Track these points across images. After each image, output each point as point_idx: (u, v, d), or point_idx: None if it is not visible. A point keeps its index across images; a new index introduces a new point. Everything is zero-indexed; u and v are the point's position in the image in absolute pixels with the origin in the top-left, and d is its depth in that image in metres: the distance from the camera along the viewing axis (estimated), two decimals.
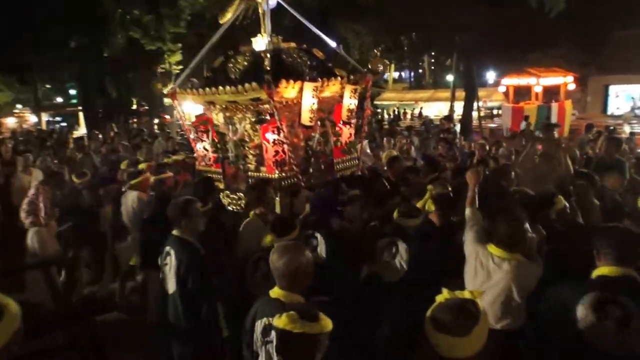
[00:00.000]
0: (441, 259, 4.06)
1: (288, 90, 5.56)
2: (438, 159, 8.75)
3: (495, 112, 29.60)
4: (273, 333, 2.68)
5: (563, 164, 6.82)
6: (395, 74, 52.09)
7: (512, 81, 22.40)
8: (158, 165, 7.84)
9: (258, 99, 5.63)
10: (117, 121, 25.45)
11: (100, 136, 16.86)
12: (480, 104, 23.72)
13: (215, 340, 3.99)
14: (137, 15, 20.02)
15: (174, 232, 4.09)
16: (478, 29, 19.87)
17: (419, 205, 4.89)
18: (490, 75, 39.08)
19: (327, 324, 2.33)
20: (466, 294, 2.22)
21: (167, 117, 27.96)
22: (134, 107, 34.36)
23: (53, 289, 5.70)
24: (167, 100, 23.14)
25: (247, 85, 5.42)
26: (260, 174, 6.01)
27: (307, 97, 5.70)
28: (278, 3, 6.32)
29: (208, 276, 3.99)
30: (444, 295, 2.23)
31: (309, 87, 5.67)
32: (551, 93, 21.57)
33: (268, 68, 5.30)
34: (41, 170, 10.15)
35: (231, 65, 6.12)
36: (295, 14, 6.50)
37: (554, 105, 20.30)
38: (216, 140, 6.39)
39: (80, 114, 29.66)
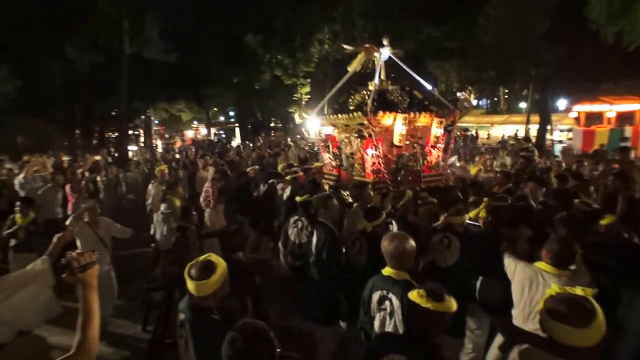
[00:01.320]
0: (479, 256, 3.73)
1: (384, 118, 5.87)
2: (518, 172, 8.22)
3: (558, 135, 26.42)
4: (387, 302, 2.75)
5: (638, 183, 5.99)
6: (474, 102, 49.61)
7: (583, 108, 19.54)
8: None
9: (362, 124, 6.01)
10: (261, 135, 26.71)
11: (250, 145, 17.94)
12: (553, 127, 21.74)
13: (337, 297, 3.89)
14: (279, 59, 20.92)
15: (319, 217, 4.09)
16: (555, 64, 18.32)
17: (474, 212, 4.59)
18: (561, 102, 35.76)
19: (451, 305, 2.20)
20: (578, 291, 1.95)
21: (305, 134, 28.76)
22: (272, 124, 35.72)
23: (225, 252, 5.77)
24: (297, 120, 23.92)
25: (355, 114, 5.89)
26: (362, 178, 6.34)
27: (398, 124, 5.98)
28: (389, 57, 6.61)
29: (337, 251, 3.97)
30: (553, 289, 2.00)
31: (400, 117, 5.95)
32: (625, 118, 18.54)
33: (369, 103, 5.76)
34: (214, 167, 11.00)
35: (350, 100, 6.51)
36: (402, 65, 6.79)
37: (628, 129, 17.45)
38: (336, 152, 6.83)
39: (237, 129, 31.63)
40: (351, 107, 6.28)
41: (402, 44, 7.58)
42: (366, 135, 6.11)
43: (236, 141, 28.46)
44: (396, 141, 6.05)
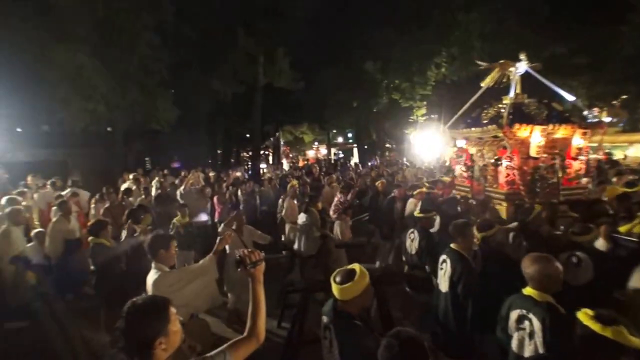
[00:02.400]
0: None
1: (520, 131, 5.86)
2: None
3: None
4: (526, 322, 2.61)
5: None
6: (607, 119, 43.55)
7: None
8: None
9: (497, 137, 6.11)
10: (377, 154, 26.83)
11: (368, 164, 18.15)
12: None
13: (473, 334, 3.69)
14: (397, 84, 20.97)
15: (452, 245, 3.86)
16: None
17: (627, 227, 4.39)
18: None
19: (623, 334, 1.88)
20: None
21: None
22: (387, 145, 35.66)
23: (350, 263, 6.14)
24: (412, 141, 23.58)
25: (490, 126, 6.05)
26: (494, 190, 6.32)
27: (535, 136, 5.90)
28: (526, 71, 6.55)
29: (474, 284, 3.62)
30: None
31: (538, 129, 5.89)
32: None
33: (505, 115, 5.89)
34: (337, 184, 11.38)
35: (484, 114, 6.57)
36: (539, 77, 6.68)
37: None
38: (468, 164, 6.97)
39: (354, 149, 32.24)
40: (484, 121, 6.33)
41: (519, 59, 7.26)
42: (500, 147, 6.20)
43: (354, 160, 29.03)
44: (533, 153, 5.93)
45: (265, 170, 18.35)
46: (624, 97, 21.31)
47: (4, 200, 6.98)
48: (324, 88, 23.49)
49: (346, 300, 2.53)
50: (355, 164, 20.73)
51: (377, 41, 21.31)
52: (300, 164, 22.43)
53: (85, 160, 16.38)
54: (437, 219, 5.23)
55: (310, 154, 37.94)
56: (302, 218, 6.70)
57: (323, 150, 37.64)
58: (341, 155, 36.03)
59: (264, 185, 12.01)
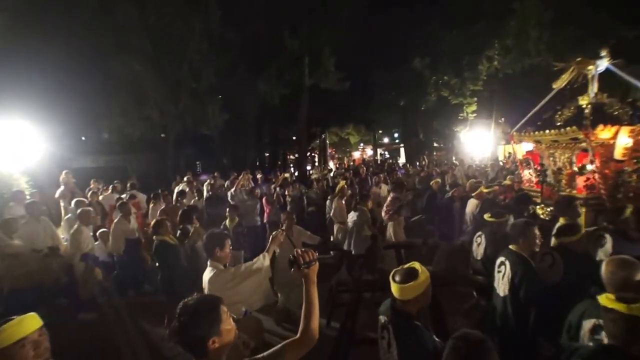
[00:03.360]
0: None
1: (604, 132, 5.59)
2: None
3: None
4: (603, 333, 2.39)
5: None
6: None
7: None
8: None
9: (576, 139, 5.85)
10: (425, 154, 26.27)
11: (417, 164, 17.83)
12: None
13: (537, 340, 3.48)
14: (446, 80, 20.43)
15: (511, 246, 3.70)
16: None
17: None
18: None
19: None
20: None
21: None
22: (435, 144, 34.89)
23: (400, 263, 5.95)
24: (463, 140, 22.94)
25: (569, 128, 5.75)
26: (570, 193, 6.03)
27: (622, 137, 5.64)
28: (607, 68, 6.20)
29: (537, 289, 3.46)
30: None
31: (625, 130, 5.63)
32: None
33: (588, 117, 5.61)
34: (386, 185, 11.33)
35: (557, 116, 6.33)
36: (622, 74, 6.30)
37: None
38: (538, 168, 6.73)
39: (401, 149, 31.78)
40: (559, 123, 6.14)
41: (584, 51, 6.83)
42: (578, 150, 5.95)
43: (401, 160, 28.68)
44: (618, 155, 5.72)
45: (312, 172, 18.50)
46: None
47: (73, 202, 7.48)
48: (370, 88, 23.35)
49: (406, 299, 2.53)
50: (404, 164, 20.34)
51: (424, 37, 20.88)
52: (346, 165, 22.32)
53: (141, 164, 17.32)
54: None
55: (356, 155, 37.91)
56: (352, 216, 6.72)
57: (369, 151, 37.56)
58: (387, 156, 35.66)
59: (312, 186, 12.13)
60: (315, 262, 2.13)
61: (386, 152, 37.96)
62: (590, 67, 6.13)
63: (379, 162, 27.53)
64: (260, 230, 9.07)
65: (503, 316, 3.59)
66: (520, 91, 19.30)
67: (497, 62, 19.16)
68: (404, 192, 8.65)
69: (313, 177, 15.08)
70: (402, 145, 31.79)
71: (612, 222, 4.59)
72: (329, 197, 9.65)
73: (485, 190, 7.04)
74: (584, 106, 5.96)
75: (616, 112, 5.75)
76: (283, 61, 18.72)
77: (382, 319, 2.69)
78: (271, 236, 3.79)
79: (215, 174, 12.76)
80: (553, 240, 3.98)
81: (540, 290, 3.43)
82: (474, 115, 22.11)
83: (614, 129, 5.58)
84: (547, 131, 6.17)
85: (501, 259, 3.71)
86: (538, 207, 6.14)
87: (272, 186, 10.71)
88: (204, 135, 17.01)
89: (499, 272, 3.71)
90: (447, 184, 10.32)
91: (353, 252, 6.48)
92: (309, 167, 21.85)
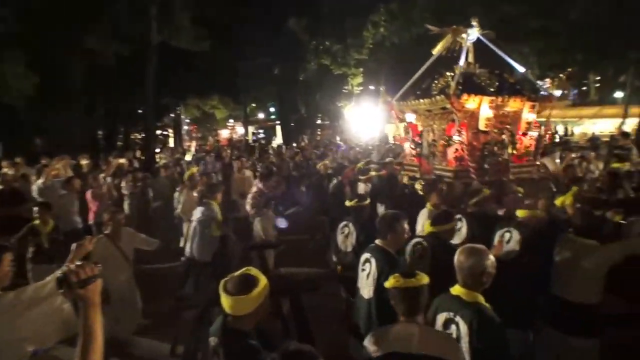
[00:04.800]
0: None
1: (469, 102, 6.52)
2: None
3: None
4: (453, 327, 2.76)
5: None
6: (558, 92, 47.58)
7: None
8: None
9: (446, 108, 6.73)
10: (306, 133, 26.86)
11: (294, 145, 18.14)
12: None
13: None
14: (327, 46, 21.06)
15: (378, 241, 3.89)
16: None
17: (561, 200, 5.16)
18: None
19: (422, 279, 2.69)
20: None
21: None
22: (319, 121, 35.95)
23: (264, 266, 6.18)
24: (347, 116, 24.03)
25: (438, 97, 6.65)
26: (443, 167, 7.00)
27: (484, 108, 6.66)
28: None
29: None
30: None
31: (486, 100, 6.62)
32: None
33: (453, 85, 6.49)
34: (252, 171, 11.28)
35: (434, 84, 7.16)
36: (492, 46, 7.58)
37: None
38: (417, 141, 7.58)
39: (278, 127, 32.08)
40: (435, 92, 6.94)
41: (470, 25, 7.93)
42: (449, 120, 6.81)
43: (277, 141, 28.90)
44: (481, 126, 6.64)
45: (161, 156, 17.61)
46: (570, 69, 23.15)
47: None
48: (238, 50, 22.93)
49: (241, 315, 2.52)
50: (279, 145, 20.54)
51: None
52: (209, 147, 21.73)
53: None
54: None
55: (225, 134, 37.25)
56: (196, 213, 6.49)
57: (241, 130, 37.28)
58: (262, 135, 35.74)
59: (159, 174, 11.56)
60: (95, 279, 1.95)
61: (261, 131, 38.02)
62: (463, 35, 7.10)
63: (250, 142, 27.38)
64: (82, 234, 8.32)
65: (367, 321, 3.71)
66: (410, 62, 20.87)
67: (384, 29, 20.38)
68: (276, 180, 8.74)
69: (161, 162, 14.36)
70: (278, 122, 32.10)
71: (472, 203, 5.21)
72: (177, 188, 9.26)
73: (373, 174, 7.64)
74: (454, 75, 6.79)
75: (483, 83, 6.68)
76: (120, 9, 17.30)
77: (212, 340, 2.65)
78: (73, 244, 3.44)
79: (17, 159, 11.35)
80: (425, 228, 4.37)
81: None
82: (360, 88, 23.30)
83: (477, 98, 6.48)
84: (421, 100, 6.97)
85: (366, 255, 3.87)
86: (417, 182, 6.77)
87: (102, 175, 9.91)
88: (3, 105, 14.97)
89: (363, 270, 3.86)
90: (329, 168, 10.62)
91: (196, 258, 6.35)
92: (158, 150, 20.78)
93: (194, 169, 9.39)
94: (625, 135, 15.70)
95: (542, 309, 4.05)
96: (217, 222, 6.24)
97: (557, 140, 20.01)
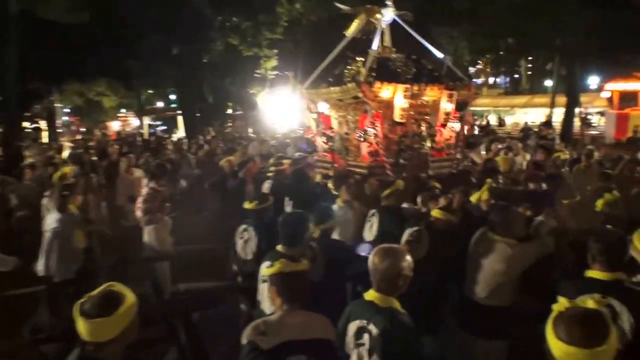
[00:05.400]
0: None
1: (382, 90, 6.65)
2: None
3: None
4: (366, 336, 2.89)
5: None
6: (490, 80, 50.42)
7: (617, 86, 21.54)
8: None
9: (357, 97, 6.79)
10: (213, 125, 26.26)
11: (201, 138, 17.63)
12: (581, 110, 22.68)
13: None
14: (235, 23, 20.65)
15: (280, 247, 3.93)
16: (582, 30, 18.74)
17: (476, 195, 5.42)
18: (593, 80, 36.92)
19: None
20: (589, 303, 2.22)
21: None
22: (229, 111, 35.40)
23: (155, 284, 6.21)
24: (261, 105, 23.72)
25: (349, 85, 6.69)
26: (357, 163, 7.20)
27: (398, 97, 6.74)
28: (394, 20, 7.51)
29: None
30: (563, 304, 2.16)
31: (400, 89, 6.71)
32: None
33: (364, 71, 6.58)
34: (144, 170, 10.69)
35: (347, 71, 7.14)
36: (408, 29, 7.72)
37: None
38: (329, 134, 7.72)
39: (179, 118, 30.97)
40: (347, 79, 6.99)
41: (398, 5, 8.03)
42: (363, 111, 6.93)
43: (179, 134, 28.12)
44: (397, 117, 6.76)
45: (28, 154, 16.38)
46: (488, 56, 24.70)
47: None
48: (128, 26, 21.81)
49: (103, 342, 2.44)
50: (179, 139, 19.90)
51: None
52: (94, 141, 20.54)
53: None
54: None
55: (116, 126, 35.70)
56: (51, 222, 6.17)
57: (135, 122, 36.09)
58: (161, 128, 34.59)
59: (24, 176, 10.64)
60: None
61: (159, 123, 36.89)
62: (378, 15, 7.21)
63: (146, 136, 26.32)
64: None
65: None
66: (329, 44, 20.93)
67: (300, 4, 20.32)
68: (175, 179, 8.84)
69: (27, 162, 13.35)
70: (180, 112, 31.08)
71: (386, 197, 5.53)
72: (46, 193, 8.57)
73: (281, 169, 7.65)
74: (366, 60, 6.87)
75: (399, 69, 6.83)
76: None
77: None
78: None
79: None
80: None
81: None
82: (275, 72, 23.12)
83: (392, 87, 6.60)
84: (332, 88, 7.03)
85: (267, 264, 3.83)
86: (330, 181, 6.94)
87: None
88: None
89: (264, 281, 3.83)
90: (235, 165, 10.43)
91: (54, 277, 6.06)
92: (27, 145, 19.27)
93: (68, 169, 8.68)
94: (547, 124, 16.77)
95: (454, 310, 4.39)
96: (79, 231, 6.04)
97: (477, 131, 20.94)
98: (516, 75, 50.85)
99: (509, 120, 34.77)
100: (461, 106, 7.70)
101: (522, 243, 4.07)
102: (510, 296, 4.05)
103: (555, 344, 2.05)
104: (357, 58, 7.05)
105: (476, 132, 20.01)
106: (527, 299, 4.24)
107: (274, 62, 22.64)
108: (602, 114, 26.03)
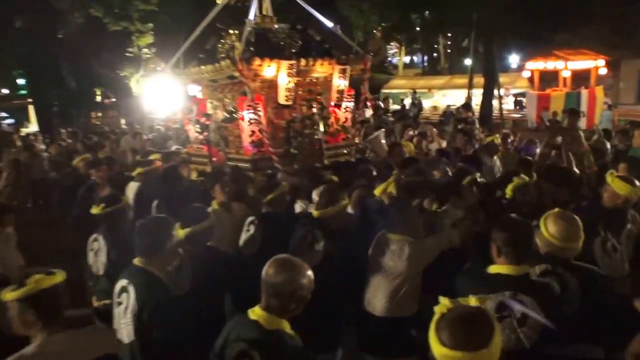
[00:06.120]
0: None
1: (263, 68, 6.62)
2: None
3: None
4: None
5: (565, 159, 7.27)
6: (407, 59, 51.82)
7: (537, 65, 22.66)
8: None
9: (234, 77, 6.71)
10: (77, 115, 25.38)
11: (64, 132, 17.40)
12: (502, 91, 23.77)
13: None
14: None
15: (137, 260, 3.82)
16: (501, 5, 19.56)
17: (381, 188, 5.41)
18: (514, 59, 39.13)
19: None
20: (472, 302, 2.29)
21: None
22: (98, 98, 33.95)
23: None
24: (136, 91, 22.93)
25: (223, 63, 6.59)
26: (240, 156, 7.13)
27: (282, 75, 6.70)
28: None
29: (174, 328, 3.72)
30: (445, 304, 2.20)
31: (285, 65, 6.67)
32: (581, 79, 22.10)
33: (240, 46, 6.51)
34: None
35: (220, 45, 7.15)
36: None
37: (584, 92, 20.58)
38: (203, 122, 7.54)
39: (31, 108, 29.44)
40: (221, 55, 6.97)
41: None
42: (241, 93, 6.88)
43: (32, 127, 27.16)
44: (282, 99, 6.78)
45: None
46: (383, 24, 25.43)
47: None
48: None
49: None
50: (28, 134, 19.16)
51: None
52: None
53: None
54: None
55: None
56: None
57: None
58: (8, 121, 32.46)
59: None
60: None
61: (4, 114, 34.62)
62: None
63: None
64: None
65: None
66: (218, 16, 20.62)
67: None
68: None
69: None
70: (30, 100, 29.60)
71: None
72: None
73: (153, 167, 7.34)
74: (242, 32, 6.86)
75: (282, 42, 6.86)
76: None
77: None
78: None
79: None
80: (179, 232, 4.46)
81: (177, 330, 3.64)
82: (152, 51, 22.44)
83: (275, 63, 6.57)
84: (203, 67, 6.98)
85: (122, 282, 3.76)
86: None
87: None
88: None
89: (119, 304, 3.76)
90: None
91: None
92: None
93: None
94: (466, 107, 17.33)
95: (352, 328, 4.47)
96: None
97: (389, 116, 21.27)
98: (435, 54, 52.59)
99: (427, 103, 35.68)
100: (374, 89, 8.04)
101: (422, 240, 4.23)
102: (413, 304, 4.18)
103: (438, 350, 2.06)
104: (231, 30, 7.01)
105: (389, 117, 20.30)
106: (430, 302, 4.30)
107: (149, 39, 21.92)
108: (523, 95, 27.45)
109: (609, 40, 25.98)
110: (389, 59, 53.19)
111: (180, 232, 4.22)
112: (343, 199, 4.93)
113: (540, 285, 3.25)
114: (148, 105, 21.75)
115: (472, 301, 2.30)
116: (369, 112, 24.17)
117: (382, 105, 21.96)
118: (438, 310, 2.18)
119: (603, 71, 21.72)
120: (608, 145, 9.76)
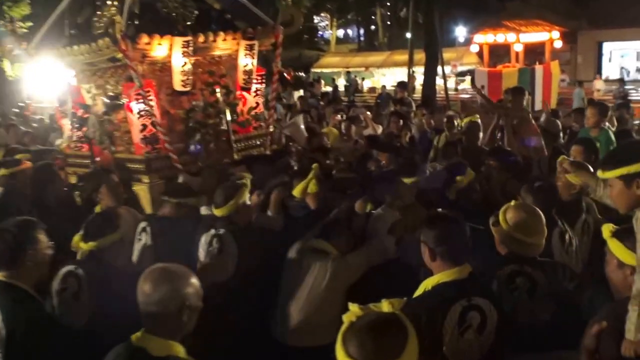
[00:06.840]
0: None
1: (153, 47, 6.38)
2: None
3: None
4: None
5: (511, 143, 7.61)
6: (340, 32, 51.92)
7: (486, 38, 23.27)
8: None
9: (116, 59, 6.44)
10: None
11: None
12: (448, 68, 24.02)
13: None
14: None
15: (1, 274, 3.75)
16: None
17: (300, 187, 5.38)
18: (460, 32, 39.80)
19: None
20: (384, 307, 2.28)
21: None
22: None
23: None
24: (10, 74, 22.06)
25: (100, 42, 6.22)
26: (130, 156, 6.90)
27: (177, 55, 6.51)
28: None
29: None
30: (354, 312, 2.24)
31: (178, 42, 6.46)
32: (535, 53, 23.22)
33: (121, 20, 6.16)
34: None
35: (96, 19, 6.84)
36: None
37: (539, 68, 20.92)
38: (80, 115, 7.28)
39: None
40: (99, 32, 6.71)
41: None
42: (125, 79, 6.68)
43: None
44: (178, 85, 6.63)
45: None
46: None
47: None
48: None
49: None
50: None
51: None
52: None
53: None
54: None
55: None
56: None
57: None
58: None
59: None
60: None
61: None
62: None
63: None
64: None
65: None
66: None
67: None
68: None
69: None
70: None
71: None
72: None
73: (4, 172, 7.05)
74: (125, 3, 6.47)
75: (173, 13, 6.72)
76: None
77: None
78: None
79: None
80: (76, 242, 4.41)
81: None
82: (29, 24, 21.69)
83: (167, 40, 6.36)
84: (76, 47, 6.55)
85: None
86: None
87: None
88: None
89: None
90: None
91: None
92: None
93: None
94: (402, 86, 17.38)
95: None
96: None
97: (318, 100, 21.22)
98: (372, 27, 52.79)
99: (367, 84, 35.75)
100: (303, 69, 7.99)
101: (348, 255, 4.23)
102: (333, 330, 4.09)
103: None
104: (109, 1, 6.67)
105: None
106: None
107: (25, 9, 21.11)
108: (471, 72, 27.79)
109: (565, 8, 26.73)
110: (320, 32, 53.08)
111: (82, 246, 4.15)
112: (243, 193, 4.86)
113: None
114: (26, 91, 21.07)
115: (385, 306, 2.27)
116: (296, 95, 24.23)
117: (309, 86, 21.83)
118: (346, 318, 2.23)
119: (558, 44, 22.48)
120: (560, 126, 10.01)
